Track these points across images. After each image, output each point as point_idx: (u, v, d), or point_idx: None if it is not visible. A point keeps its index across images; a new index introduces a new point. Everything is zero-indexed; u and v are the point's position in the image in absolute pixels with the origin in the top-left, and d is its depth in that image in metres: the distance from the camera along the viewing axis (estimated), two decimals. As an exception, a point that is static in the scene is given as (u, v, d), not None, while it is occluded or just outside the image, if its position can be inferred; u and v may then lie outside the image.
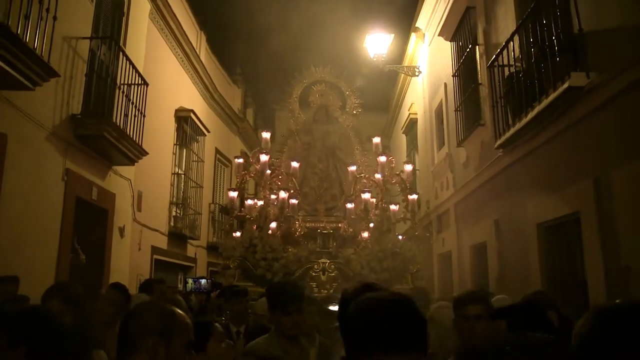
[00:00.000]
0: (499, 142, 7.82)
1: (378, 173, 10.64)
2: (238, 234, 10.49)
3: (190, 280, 8.43)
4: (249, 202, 10.55)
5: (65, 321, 3.04)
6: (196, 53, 15.84)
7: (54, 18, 6.76)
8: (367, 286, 2.21)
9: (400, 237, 10.56)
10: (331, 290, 9.12)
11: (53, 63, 6.81)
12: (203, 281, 8.36)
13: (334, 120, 11.93)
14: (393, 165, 10.97)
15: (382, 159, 10.60)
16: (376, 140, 10.99)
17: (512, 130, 7.24)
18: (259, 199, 10.84)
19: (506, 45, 7.54)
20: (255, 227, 10.28)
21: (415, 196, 10.54)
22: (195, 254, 15.60)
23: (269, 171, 10.41)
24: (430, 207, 13.69)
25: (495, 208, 8.82)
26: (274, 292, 3.87)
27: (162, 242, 13.14)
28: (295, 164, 10.53)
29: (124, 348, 2.15)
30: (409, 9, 16.18)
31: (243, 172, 10.83)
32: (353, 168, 10.60)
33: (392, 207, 10.50)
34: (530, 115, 6.58)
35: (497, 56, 7.86)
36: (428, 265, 12.29)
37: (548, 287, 6.52)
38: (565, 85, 5.67)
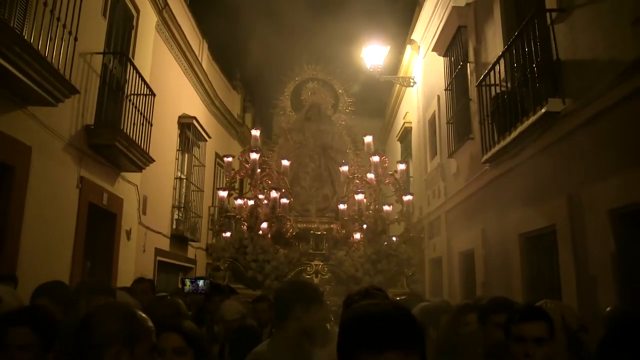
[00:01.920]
0: (485, 156, 8.38)
1: (371, 173, 10.43)
2: (228, 234, 10.30)
3: (188, 281, 8.33)
4: (239, 201, 10.29)
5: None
6: (198, 61, 16.38)
7: (75, 39, 7.33)
8: (369, 290, 2.64)
9: (394, 238, 10.36)
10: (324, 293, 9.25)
11: (73, 79, 7.35)
12: (201, 282, 8.07)
13: (327, 119, 11.74)
14: (386, 165, 10.88)
15: (375, 158, 10.39)
16: (368, 139, 10.83)
17: (497, 147, 7.81)
18: (249, 199, 10.50)
19: (493, 67, 8.10)
20: (245, 227, 10.03)
21: (409, 197, 10.36)
22: (195, 255, 16.15)
23: (259, 170, 10.21)
24: (423, 213, 14.23)
25: (482, 217, 9.38)
26: (290, 292, 3.53)
27: (165, 244, 13.68)
28: (286, 163, 10.33)
29: (84, 356, 2.01)
30: (405, 20, 16.79)
31: (233, 171, 10.58)
32: (345, 168, 10.40)
33: (386, 207, 10.36)
34: (513, 134, 7.15)
35: (485, 76, 8.43)
36: (421, 269, 12.45)
37: (527, 293, 7.10)
38: (543, 110, 6.25)
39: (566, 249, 6.20)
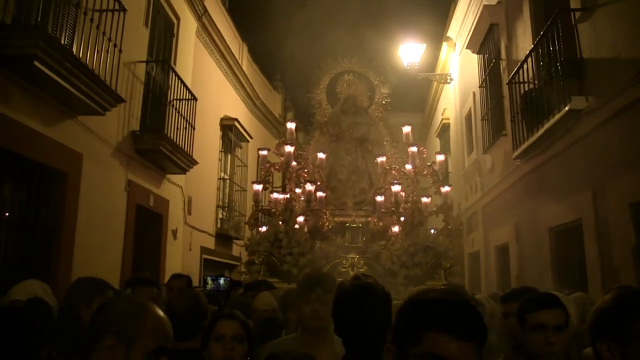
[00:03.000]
0: (516, 152, 8.58)
1: (408, 164, 10.04)
2: (264, 228, 10.08)
3: (209, 280, 8.27)
4: (275, 195, 10.18)
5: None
6: (239, 64, 16.82)
7: (120, 51, 7.80)
8: (358, 277, 2.74)
9: (432, 231, 10.24)
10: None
11: (118, 89, 7.83)
12: (222, 280, 7.95)
13: (363, 111, 11.49)
14: (425, 155, 10.47)
15: (413, 149, 9.96)
16: (406, 129, 10.46)
17: (526, 143, 8.01)
18: (284, 192, 10.34)
19: (522, 65, 8.29)
20: (280, 221, 9.86)
21: (448, 188, 10.05)
22: (240, 253, 16.59)
23: (294, 163, 9.99)
24: (462, 208, 14.42)
25: (515, 212, 9.57)
26: (299, 282, 3.58)
27: (210, 243, 14.17)
28: (322, 155, 10.17)
29: (87, 343, 1.96)
30: (442, 17, 16.94)
31: (268, 164, 10.25)
32: (382, 159, 10.17)
33: (424, 199, 9.93)
34: (541, 131, 7.35)
35: (515, 74, 8.62)
36: (460, 263, 12.42)
37: (557, 285, 7.28)
38: (567, 108, 6.45)
39: (591, 242, 6.40)
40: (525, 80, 8.27)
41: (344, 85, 11.71)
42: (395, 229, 9.62)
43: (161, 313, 2.04)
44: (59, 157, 7.05)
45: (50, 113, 6.85)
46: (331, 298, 2.95)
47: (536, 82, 7.98)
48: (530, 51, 7.96)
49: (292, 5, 22.55)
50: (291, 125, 10.61)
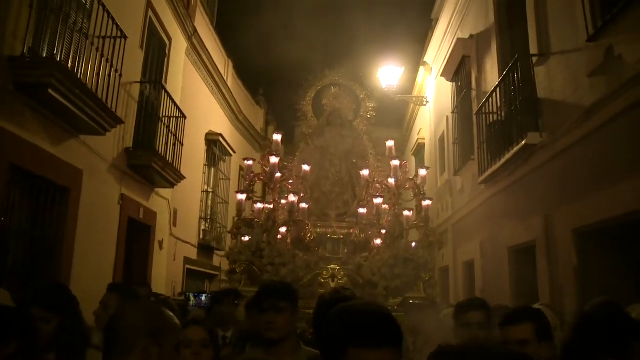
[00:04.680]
0: (481, 177, 9.38)
1: (391, 177, 10.01)
2: (247, 238, 9.99)
3: (191, 296, 8.49)
4: (258, 205, 10.19)
5: (50, 327, 3.14)
6: (224, 80, 17.51)
7: (120, 75, 8.47)
8: (339, 290, 3.06)
9: (413, 244, 10.03)
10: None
11: (117, 110, 8.48)
12: (204, 296, 8.19)
13: (348, 124, 11.45)
14: (407, 169, 10.72)
15: (396, 162, 10.06)
16: (390, 143, 10.47)
17: (490, 170, 8.83)
18: (267, 203, 10.29)
19: (488, 98, 9.09)
20: (263, 232, 9.77)
21: (429, 202, 10.12)
22: (220, 263, 17.20)
23: (279, 174, 10.03)
24: (434, 225, 15.17)
25: (481, 231, 10.36)
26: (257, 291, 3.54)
27: (193, 253, 14.80)
28: (306, 167, 10.27)
29: (113, 351, 2.06)
30: (420, 40, 17.76)
31: (252, 174, 10.22)
32: (366, 172, 10.32)
33: (406, 213, 10.00)
34: (502, 160, 8.16)
35: (482, 106, 9.42)
36: (443, 272, 13.25)
37: (515, 299, 8.06)
38: (524, 142, 7.25)
39: (543, 261, 7.20)
40: (492, 111, 9.06)
41: (330, 98, 11.63)
42: (378, 241, 9.65)
43: (170, 312, 2.22)
44: (63, 173, 7.70)
45: (56, 133, 7.50)
46: (290, 306, 3.10)
47: (501, 114, 8.78)
48: (495, 87, 8.76)
49: (277, 21, 23.31)
50: (277, 137, 10.66)
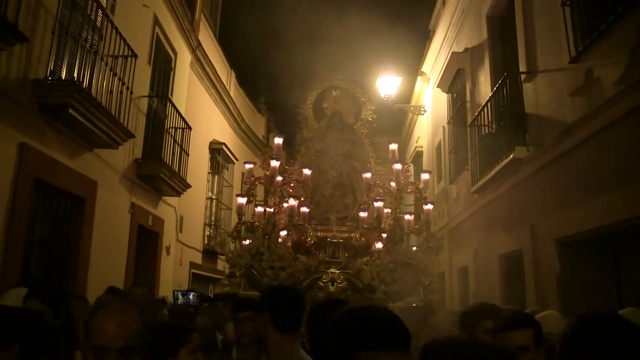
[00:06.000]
0: (474, 187, 9.86)
1: (393, 181, 10.10)
2: (248, 242, 10.02)
3: (180, 294, 8.88)
4: (259, 209, 10.20)
5: (47, 320, 3.28)
6: (227, 90, 18.00)
7: (131, 92, 8.98)
8: (335, 300, 3.11)
9: (414, 248, 10.16)
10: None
11: (128, 124, 8.98)
12: (192, 295, 8.23)
13: (348, 128, 11.43)
14: (409, 174, 10.73)
15: (398, 166, 10.06)
16: (393, 146, 10.46)
17: (481, 181, 9.31)
18: (268, 207, 10.35)
19: (480, 112, 9.57)
20: (263, 235, 9.80)
21: (430, 206, 10.14)
22: (224, 267, 17.66)
23: (279, 178, 10.03)
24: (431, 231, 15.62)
25: (474, 239, 10.84)
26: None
27: (198, 258, 15.30)
28: (307, 171, 10.21)
29: (158, 354, 2.23)
30: (419, 50, 18.22)
31: (252, 178, 10.25)
32: (367, 175, 10.26)
33: (407, 217, 9.97)
34: (492, 172, 8.65)
35: (475, 119, 9.90)
36: (439, 278, 13.12)
37: (503, 303, 8.52)
38: (511, 156, 7.74)
39: (529, 268, 7.68)
40: (484, 124, 9.53)
41: (330, 101, 11.60)
42: (379, 245, 9.67)
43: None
44: (80, 185, 8.20)
45: (74, 148, 8.00)
46: (258, 316, 3.22)
47: (492, 127, 9.26)
48: (487, 101, 9.24)
49: (277, 29, 23.72)
50: (278, 140, 10.64)
